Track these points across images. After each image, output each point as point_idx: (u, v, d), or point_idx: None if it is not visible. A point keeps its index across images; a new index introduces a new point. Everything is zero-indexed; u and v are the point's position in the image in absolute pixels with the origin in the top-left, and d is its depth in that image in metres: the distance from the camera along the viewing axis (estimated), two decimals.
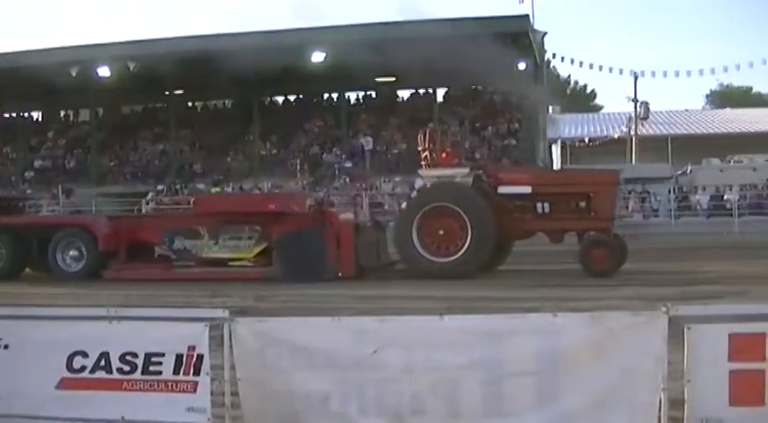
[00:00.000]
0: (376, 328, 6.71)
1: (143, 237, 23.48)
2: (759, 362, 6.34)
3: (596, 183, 22.47)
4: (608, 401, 6.46)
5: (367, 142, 48.30)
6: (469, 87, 51.83)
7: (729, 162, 46.54)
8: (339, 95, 52.80)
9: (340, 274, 20.74)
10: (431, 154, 22.93)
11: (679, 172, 43.01)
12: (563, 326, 6.57)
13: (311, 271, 20.47)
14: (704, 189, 40.40)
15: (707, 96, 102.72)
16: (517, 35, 41.69)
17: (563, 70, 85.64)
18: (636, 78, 60.58)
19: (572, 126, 69.12)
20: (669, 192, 38.76)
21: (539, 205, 21.87)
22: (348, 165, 46.75)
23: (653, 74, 60.68)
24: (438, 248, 21.12)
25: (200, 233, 22.92)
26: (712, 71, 61.18)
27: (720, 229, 34.62)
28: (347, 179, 44.95)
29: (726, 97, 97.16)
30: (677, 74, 60.08)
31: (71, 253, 22.70)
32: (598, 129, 68.09)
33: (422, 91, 52.05)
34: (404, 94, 53.52)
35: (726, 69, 59.56)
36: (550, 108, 63.68)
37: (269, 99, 54.98)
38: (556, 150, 21.40)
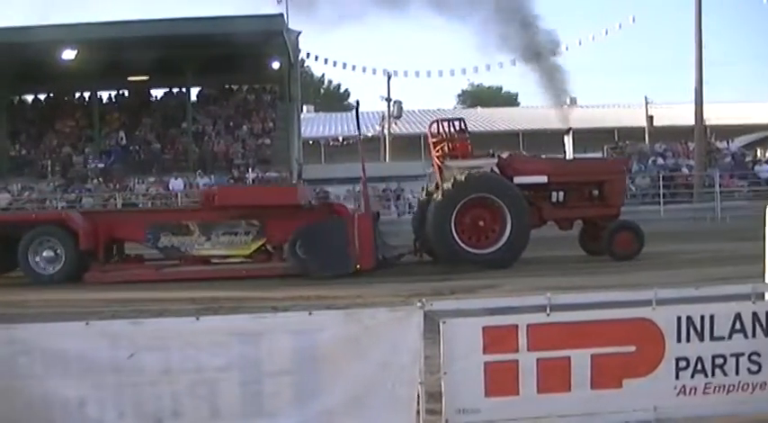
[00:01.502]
0: (130, 332, 6.64)
1: (124, 233, 22.00)
2: (512, 353, 6.66)
3: (609, 171, 23.59)
4: (367, 397, 6.62)
5: (121, 138, 47.43)
6: (223, 86, 51.56)
7: None
8: (91, 94, 51.39)
9: (358, 267, 20.14)
10: (448, 144, 22.91)
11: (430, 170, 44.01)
12: (319, 324, 6.69)
13: (334, 265, 19.87)
14: None
15: (458, 96, 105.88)
16: (271, 34, 41.65)
17: (317, 69, 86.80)
18: (389, 78, 61.87)
19: (325, 125, 69.82)
20: (422, 189, 39.69)
21: (554, 194, 22.46)
22: (101, 165, 45.63)
23: (405, 73, 62.21)
24: (476, 240, 21.22)
25: (190, 229, 21.37)
26: (463, 71, 63.08)
27: None
28: (100, 179, 43.88)
29: (477, 97, 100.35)
30: (429, 74, 61.79)
31: (45, 253, 20.64)
32: (352, 128, 68.98)
33: (175, 90, 51.34)
34: (157, 93, 52.68)
35: (476, 70, 61.41)
36: (304, 108, 64.28)
37: (18, 98, 52.99)
38: (568, 141, 21.74)
